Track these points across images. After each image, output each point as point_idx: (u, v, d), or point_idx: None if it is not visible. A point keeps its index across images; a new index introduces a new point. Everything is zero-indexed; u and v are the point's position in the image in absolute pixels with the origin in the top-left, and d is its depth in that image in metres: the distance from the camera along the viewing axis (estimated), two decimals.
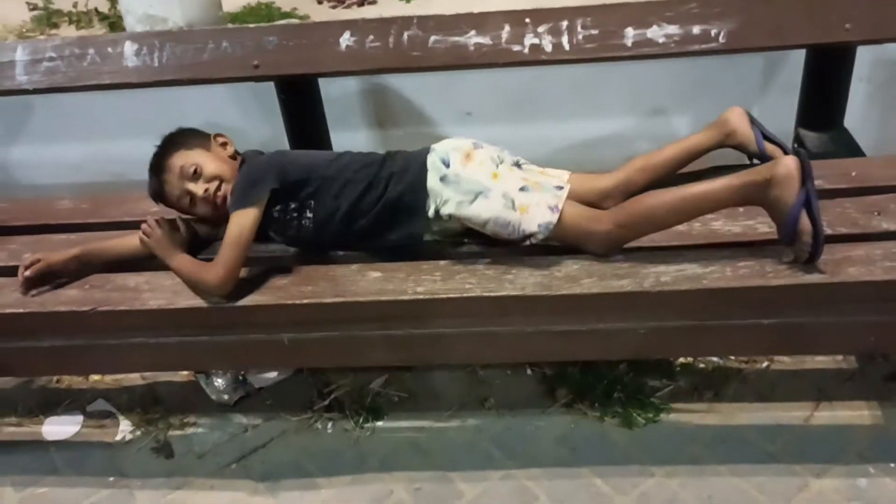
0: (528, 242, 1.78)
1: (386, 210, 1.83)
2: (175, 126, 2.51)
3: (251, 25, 2.23)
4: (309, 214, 1.87)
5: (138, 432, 2.16)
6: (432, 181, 1.80)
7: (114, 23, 3.05)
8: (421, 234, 1.85)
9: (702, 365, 2.16)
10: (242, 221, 1.79)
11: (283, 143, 2.40)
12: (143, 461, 2.08)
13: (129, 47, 2.20)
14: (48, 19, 3.44)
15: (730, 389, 2.09)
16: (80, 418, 2.23)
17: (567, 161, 1.96)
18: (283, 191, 1.85)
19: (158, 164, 1.93)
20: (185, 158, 1.90)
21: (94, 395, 2.29)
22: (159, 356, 1.90)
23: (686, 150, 1.94)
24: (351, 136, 2.62)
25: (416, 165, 1.83)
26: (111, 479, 2.04)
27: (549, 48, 2.08)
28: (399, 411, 2.15)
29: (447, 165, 1.81)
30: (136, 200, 2.21)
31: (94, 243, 1.98)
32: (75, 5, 3.45)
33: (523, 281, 1.74)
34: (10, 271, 1.94)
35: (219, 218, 1.90)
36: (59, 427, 2.21)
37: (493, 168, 1.80)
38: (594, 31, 2.08)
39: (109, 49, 2.21)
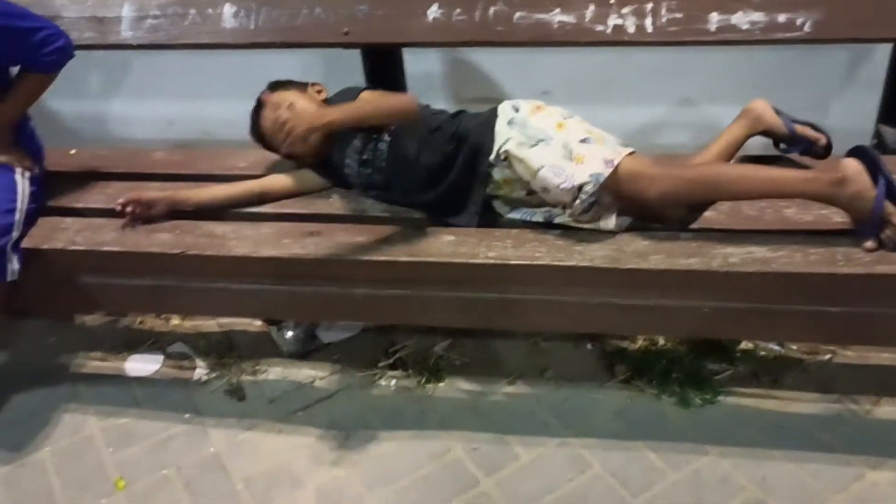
0: (578, 201, 1.78)
1: (456, 147, 1.91)
2: (263, 89, 2.64)
3: None
4: (387, 138, 1.97)
5: (213, 375, 2.29)
6: (500, 124, 1.89)
7: None
8: (487, 175, 1.89)
9: (762, 353, 2.18)
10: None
11: None
12: (217, 402, 2.20)
13: (227, 9, 2.31)
14: None
15: (789, 378, 2.10)
16: (161, 358, 2.36)
17: (639, 147, 1.99)
18: None
19: (259, 102, 2.11)
20: (281, 96, 2.07)
21: (174, 338, 2.43)
22: (240, 302, 2.01)
23: (727, 145, 2.01)
24: None
25: (488, 112, 1.94)
26: (187, 415, 2.17)
27: (631, 29, 2.11)
28: (460, 375, 2.22)
29: (516, 111, 1.90)
30: (225, 156, 2.33)
31: (183, 190, 2.11)
32: None
33: (592, 253, 1.79)
34: (108, 213, 2.08)
35: (305, 155, 2.04)
36: (141, 364, 2.35)
37: (559, 119, 1.86)
38: (678, 15, 2.10)
39: (209, 10, 2.32)
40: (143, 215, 2.02)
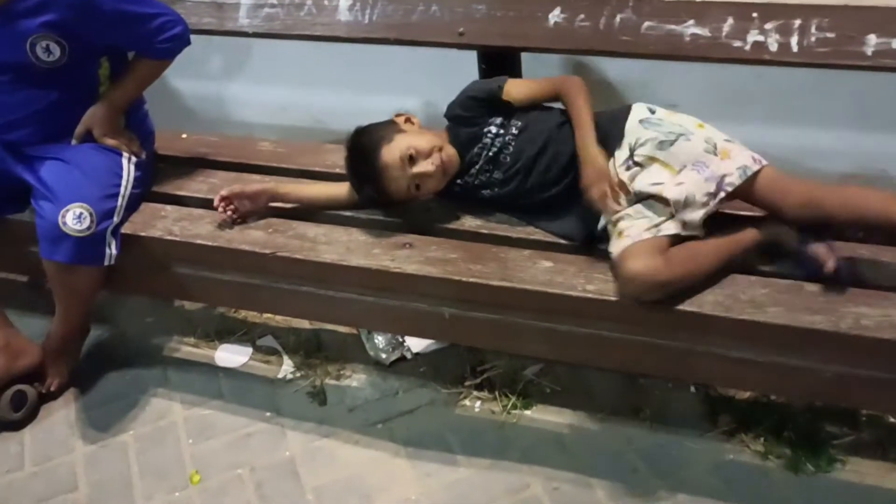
0: (717, 198, 1.68)
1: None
2: (374, 82, 2.57)
3: None
4: (514, 132, 1.87)
5: (298, 374, 2.25)
6: (632, 122, 1.80)
7: None
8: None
9: (893, 419, 1.94)
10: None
11: None
12: (298, 403, 2.17)
13: (343, 2, 2.25)
14: None
15: None
16: (250, 350, 2.36)
17: None
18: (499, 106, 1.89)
19: (370, 171, 1.85)
20: (395, 150, 1.83)
21: (265, 331, 2.41)
22: (326, 308, 1.97)
23: None
24: None
25: (620, 108, 1.85)
26: (268, 414, 2.15)
27: (774, 47, 1.89)
28: (549, 403, 2.09)
29: (652, 112, 1.82)
30: (328, 151, 2.28)
31: (286, 184, 2.07)
32: None
33: (702, 298, 1.62)
34: (207, 203, 2.07)
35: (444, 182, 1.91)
36: (231, 355, 2.35)
37: (698, 121, 1.80)
38: (830, 35, 1.87)
39: (325, 2, 2.27)
40: (242, 212, 1.99)
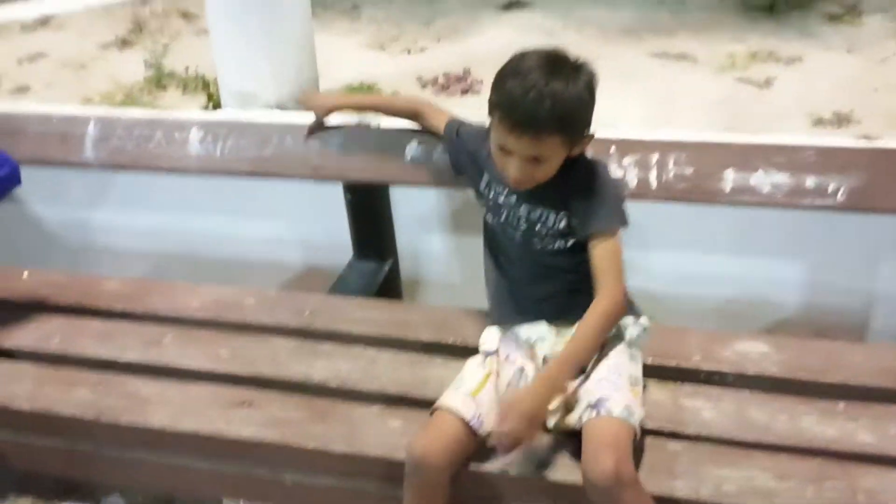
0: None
1: None
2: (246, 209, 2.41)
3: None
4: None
5: None
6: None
7: (212, 94, 3.03)
8: None
9: None
10: (618, 244, 1.55)
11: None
12: None
13: (194, 134, 2.13)
14: (158, 80, 3.50)
15: None
16: None
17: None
18: None
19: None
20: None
21: (112, 489, 2.17)
22: (158, 476, 1.77)
23: None
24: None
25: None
26: None
27: (633, 182, 1.83)
28: None
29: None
30: (177, 291, 2.12)
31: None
32: (187, 69, 3.49)
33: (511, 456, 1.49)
34: (36, 357, 1.89)
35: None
36: None
37: None
38: (688, 170, 1.82)
39: (176, 134, 2.14)
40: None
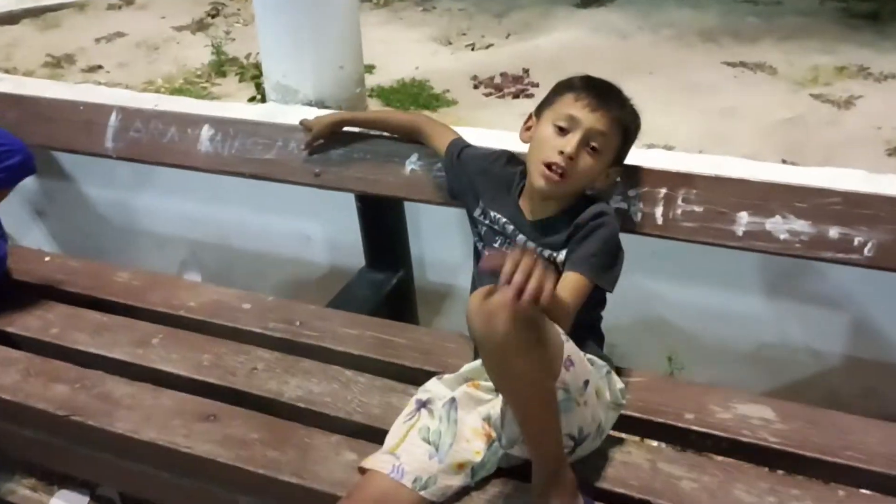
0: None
1: None
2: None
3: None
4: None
5: None
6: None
7: (260, 85, 3.02)
8: None
9: None
10: (587, 291, 1.45)
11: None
12: None
13: (205, 132, 2.11)
14: (219, 67, 3.53)
15: None
16: (86, 501, 2.15)
17: None
18: None
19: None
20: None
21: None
22: (124, 477, 1.79)
23: None
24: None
25: None
26: None
27: (637, 217, 1.69)
28: None
29: None
30: (180, 288, 2.12)
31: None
32: (248, 57, 3.50)
33: None
34: (33, 345, 1.93)
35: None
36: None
37: None
38: (698, 208, 1.66)
39: (189, 130, 2.13)
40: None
